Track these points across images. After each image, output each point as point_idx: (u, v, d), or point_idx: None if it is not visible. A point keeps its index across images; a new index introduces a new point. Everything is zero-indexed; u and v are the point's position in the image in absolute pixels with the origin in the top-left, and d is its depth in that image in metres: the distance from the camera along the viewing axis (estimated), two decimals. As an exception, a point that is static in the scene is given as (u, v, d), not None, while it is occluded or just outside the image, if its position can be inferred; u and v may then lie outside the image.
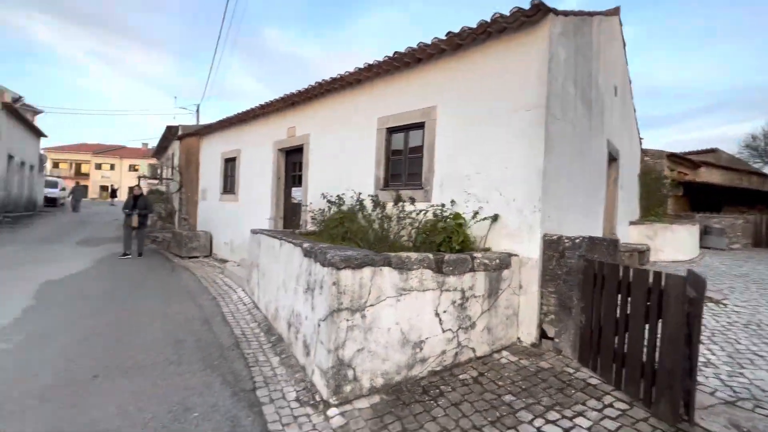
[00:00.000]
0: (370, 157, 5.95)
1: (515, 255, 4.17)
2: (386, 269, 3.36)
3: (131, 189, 10.03)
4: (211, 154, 10.77)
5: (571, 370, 3.56)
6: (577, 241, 3.82)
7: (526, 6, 3.95)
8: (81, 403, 2.92)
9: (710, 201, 15.33)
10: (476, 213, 4.41)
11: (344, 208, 5.69)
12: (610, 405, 2.97)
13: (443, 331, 3.69)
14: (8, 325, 4.37)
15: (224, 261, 9.46)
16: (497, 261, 4.00)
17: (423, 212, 4.65)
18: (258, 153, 8.68)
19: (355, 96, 6.26)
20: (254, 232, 6.07)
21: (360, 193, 5.73)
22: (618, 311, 3.24)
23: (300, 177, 7.82)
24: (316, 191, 6.90)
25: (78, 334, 4.20)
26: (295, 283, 4.05)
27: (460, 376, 3.60)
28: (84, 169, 52.61)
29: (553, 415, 2.86)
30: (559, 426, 2.73)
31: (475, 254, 3.91)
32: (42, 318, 4.63)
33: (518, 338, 4.21)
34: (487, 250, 4.36)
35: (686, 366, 2.61)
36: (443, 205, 4.63)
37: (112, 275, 7.30)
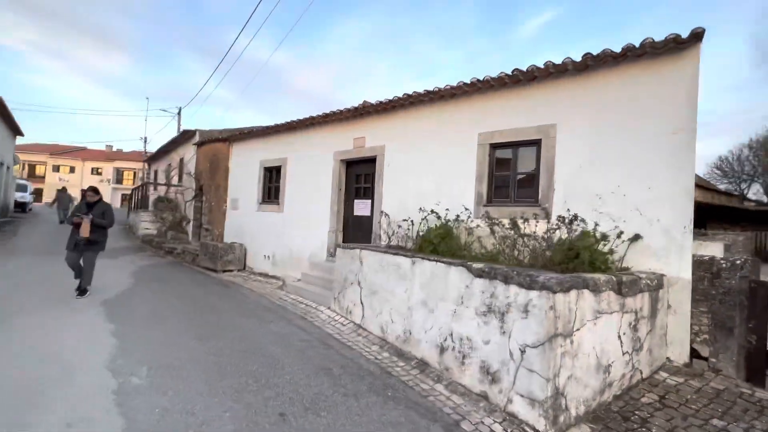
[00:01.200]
0: (468, 172, 5.85)
1: (664, 275, 4.20)
2: (586, 291, 3.27)
3: (82, 192, 6.36)
4: (245, 161, 10.22)
5: (748, 391, 3.60)
6: (738, 262, 3.91)
7: (666, 34, 4.07)
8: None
9: (696, 218, 16.51)
10: (621, 232, 4.41)
11: (437, 223, 5.57)
12: (826, 426, 3.02)
13: (623, 354, 3.64)
14: (136, 364, 3.83)
15: (265, 275, 8.95)
16: (656, 281, 4.01)
17: (552, 230, 4.60)
18: (312, 162, 8.34)
19: (448, 110, 6.17)
20: (347, 247, 5.78)
21: (467, 209, 5.64)
22: (810, 333, 3.33)
23: (364, 189, 7.59)
24: (393, 205, 6.71)
25: (213, 371, 3.72)
26: (456, 305, 3.86)
27: (642, 400, 3.55)
28: (38, 171, 48.36)
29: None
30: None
31: (640, 274, 3.91)
32: (150, 355, 4.08)
33: (668, 358, 4.22)
34: (626, 269, 4.37)
35: None
36: (571, 222, 4.60)
37: (165, 291, 6.68)
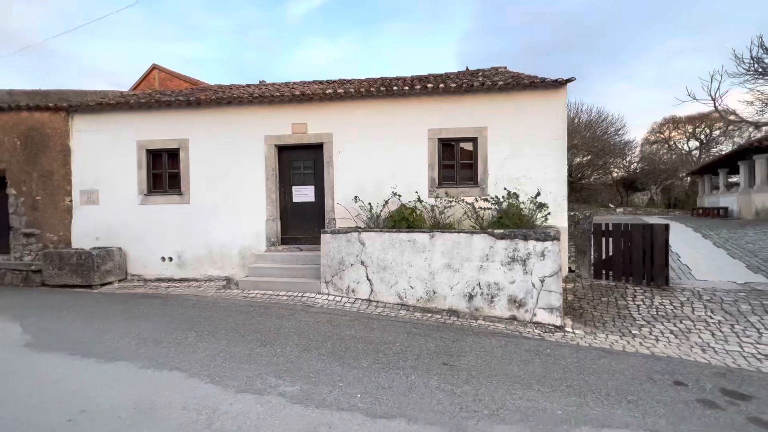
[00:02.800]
0: (421, 162, 7.16)
1: (557, 226, 6.92)
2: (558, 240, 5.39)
3: None
4: (107, 140, 7.76)
5: (596, 282, 6.70)
6: (587, 214, 6.99)
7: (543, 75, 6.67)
8: None
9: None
10: (535, 202, 6.83)
11: (394, 205, 6.70)
12: (635, 292, 6.26)
13: (560, 275, 6.03)
14: None
15: (170, 280, 7.55)
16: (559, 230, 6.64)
17: (497, 202, 6.61)
18: (232, 146, 7.53)
19: (400, 106, 7.17)
20: (339, 231, 6.12)
21: (417, 192, 6.96)
22: (622, 247, 6.57)
23: (304, 176, 7.66)
24: (348, 191, 7.27)
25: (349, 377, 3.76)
26: (482, 262, 5.30)
27: (568, 299, 6.08)
28: None
29: (641, 296, 5.84)
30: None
31: (555, 227, 6.41)
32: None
33: (558, 275, 7.03)
34: (540, 226, 6.88)
35: (665, 262, 6.16)
36: (509, 197, 6.74)
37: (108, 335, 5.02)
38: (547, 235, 5.01)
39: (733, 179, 18.67)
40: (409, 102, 7.21)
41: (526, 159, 6.96)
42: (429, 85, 6.93)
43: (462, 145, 7.27)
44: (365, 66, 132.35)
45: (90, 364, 3.59)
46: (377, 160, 7.27)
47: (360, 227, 6.30)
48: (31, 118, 7.86)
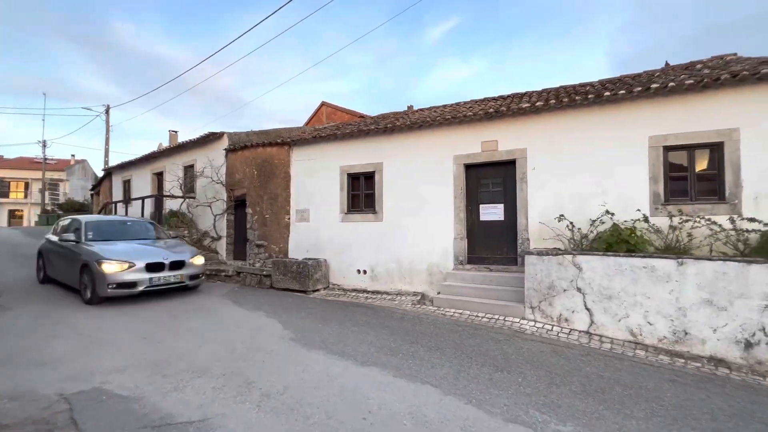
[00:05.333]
0: (639, 174, 6.12)
1: None
2: None
3: None
4: (315, 168, 9.19)
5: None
6: None
7: None
8: None
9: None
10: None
11: (607, 226, 5.76)
12: None
13: None
14: None
15: (363, 291, 8.22)
16: None
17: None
18: (422, 167, 7.89)
19: (609, 113, 6.35)
20: (548, 253, 5.64)
21: (639, 210, 5.89)
22: None
23: (492, 193, 7.43)
24: (542, 209, 6.70)
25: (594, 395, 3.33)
26: (765, 300, 4.06)
27: None
28: None
29: None
30: None
31: None
32: None
33: None
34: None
35: None
36: None
37: (344, 328, 5.74)
38: None
39: None
40: (621, 108, 6.30)
41: (807, 165, 5.22)
42: (654, 85, 5.92)
43: (698, 152, 5.95)
44: (499, 81, 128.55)
45: (350, 366, 3.97)
46: (579, 174, 6.52)
47: (572, 249, 5.68)
48: (264, 152, 9.85)
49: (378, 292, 8.13)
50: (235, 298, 7.28)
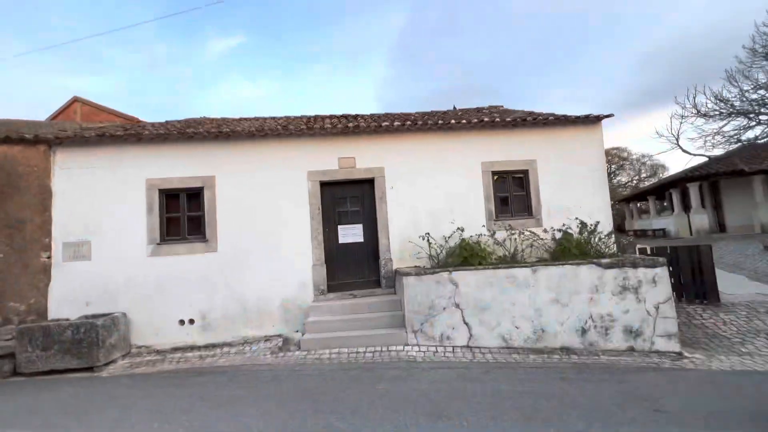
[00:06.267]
0: (477, 195, 7.01)
1: (607, 253, 7.16)
2: (651, 265, 5.53)
3: None
4: (105, 180, 6.28)
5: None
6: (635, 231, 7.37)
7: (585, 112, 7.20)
8: None
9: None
10: (593, 231, 7.00)
11: (455, 242, 6.48)
12: (696, 310, 6.63)
13: (638, 300, 6.16)
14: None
15: (190, 349, 6.12)
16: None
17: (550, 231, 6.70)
18: (267, 183, 6.62)
19: (452, 139, 7.03)
20: (425, 272, 5.59)
21: (483, 225, 6.79)
22: (671, 269, 7.01)
23: (351, 213, 6.99)
24: (401, 227, 6.80)
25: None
26: (592, 293, 5.17)
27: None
28: None
29: (707, 314, 6.16)
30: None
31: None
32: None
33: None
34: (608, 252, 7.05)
35: (714, 279, 6.66)
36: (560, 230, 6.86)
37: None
38: (656, 261, 5.10)
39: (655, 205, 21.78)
40: (460, 135, 7.12)
41: (575, 190, 7.20)
42: (485, 119, 6.95)
43: (513, 177, 7.32)
44: (288, 104, 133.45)
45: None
46: (432, 194, 6.93)
47: (435, 266, 5.83)
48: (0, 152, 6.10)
49: (214, 346, 6.18)
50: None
